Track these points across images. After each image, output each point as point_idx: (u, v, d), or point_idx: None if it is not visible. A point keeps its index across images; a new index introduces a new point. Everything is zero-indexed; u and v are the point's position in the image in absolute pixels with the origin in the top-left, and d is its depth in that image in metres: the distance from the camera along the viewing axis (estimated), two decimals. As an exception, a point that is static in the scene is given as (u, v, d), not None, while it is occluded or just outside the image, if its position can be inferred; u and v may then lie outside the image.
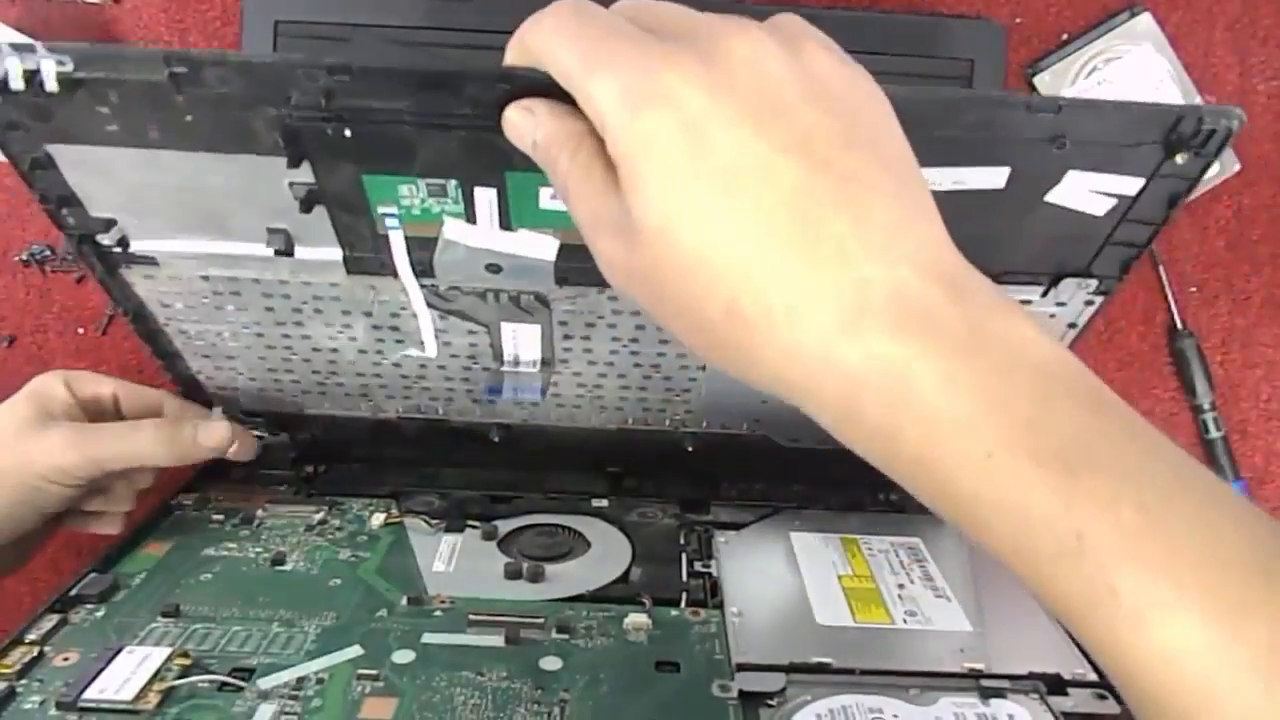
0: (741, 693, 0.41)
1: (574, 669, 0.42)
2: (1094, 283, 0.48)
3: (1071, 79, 0.63)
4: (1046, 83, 0.63)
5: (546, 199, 0.42)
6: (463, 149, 0.39)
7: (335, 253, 0.46)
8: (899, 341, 0.24)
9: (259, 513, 0.56)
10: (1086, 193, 0.42)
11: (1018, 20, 0.63)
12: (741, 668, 0.42)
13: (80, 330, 0.66)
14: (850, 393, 0.25)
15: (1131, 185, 0.42)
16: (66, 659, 0.41)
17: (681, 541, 0.55)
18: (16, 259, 0.64)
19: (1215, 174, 0.64)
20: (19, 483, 0.48)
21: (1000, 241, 0.45)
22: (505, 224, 0.44)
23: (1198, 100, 0.63)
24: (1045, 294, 0.49)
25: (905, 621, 0.46)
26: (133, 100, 0.38)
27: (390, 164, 0.41)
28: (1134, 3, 0.62)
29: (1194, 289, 0.68)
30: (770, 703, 0.40)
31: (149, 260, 0.47)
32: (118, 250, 0.46)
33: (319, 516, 0.56)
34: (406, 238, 0.45)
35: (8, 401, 0.50)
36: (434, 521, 0.55)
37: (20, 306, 0.65)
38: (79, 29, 0.62)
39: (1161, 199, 0.43)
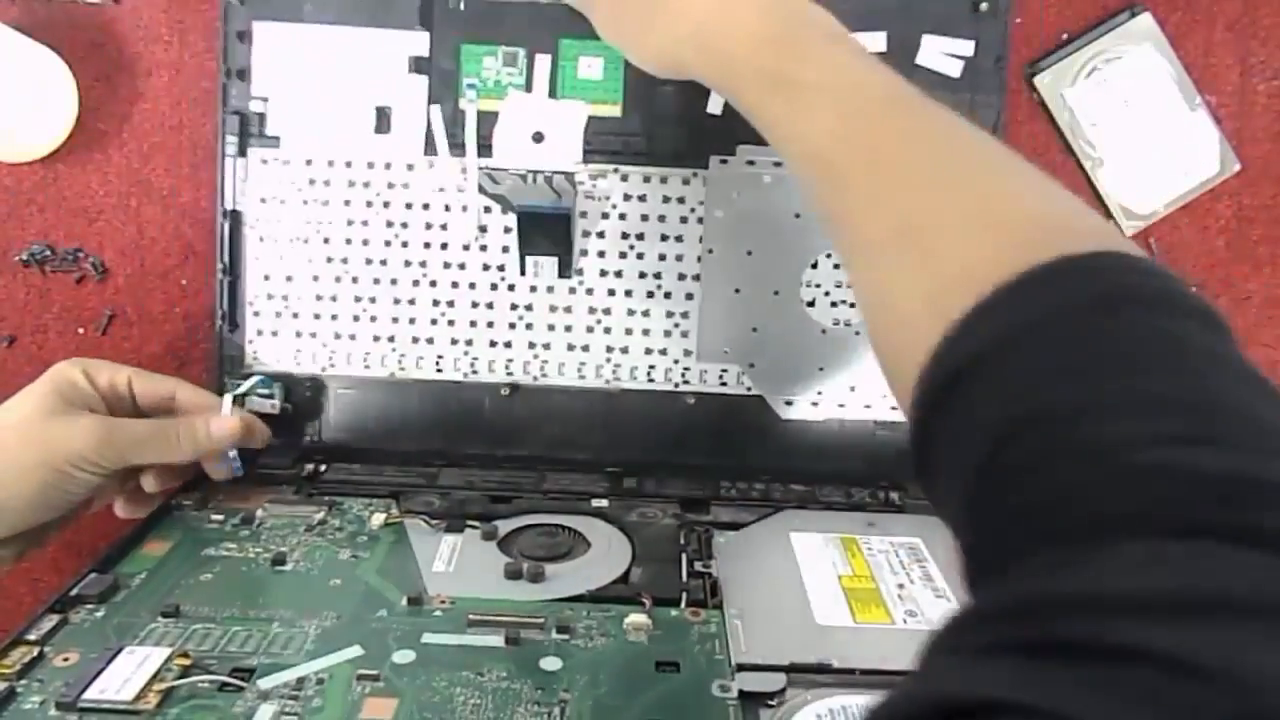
0: (741, 693, 0.41)
1: (574, 669, 0.42)
2: None
3: (1071, 79, 0.63)
4: (1047, 83, 0.63)
5: (583, 69, 0.62)
6: (534, 20, 0.61)
7: (420, 131, 0.62)
8: (745, 6, 0.43)
9: (259, 513, 0.56)
10: (940, 55, 0.62)
11: (1017, 20, 0.63)
12: (742, 668, 0.42)
13: (80, 330, 0.66)
14: (713, 32, 0.43)
15: (966, 47, 0.62)
16: (66, 659, 0.41)
17: (681, 542, 0.54)
18: (16, 259, 0.64)
19: (1215, 174, 0.64)
20: (47, 468, 0.48)
21: None
22: (552, 93, 0.62)
23: (1198, 100, 0.63)
24: None
25: (905, 622, 0.46)
26: None
27: (484, 33, 0.61)
28: (1134, 3, 0.62)
29: (1194, 289, 0.67)
30: (770, 703, 0.40)
31: (273, 141, 0.62)
32: (255, 130, 0.62)
33: (319, 516, 0.56)
34: (478, 112, 0.62)
35: (28, 389, 0.50)
36: (434, 521, 0.55)
37: (20, 306, 0.65)
38: (79, 29, 0.62)
39: (991, 61, 0.62)
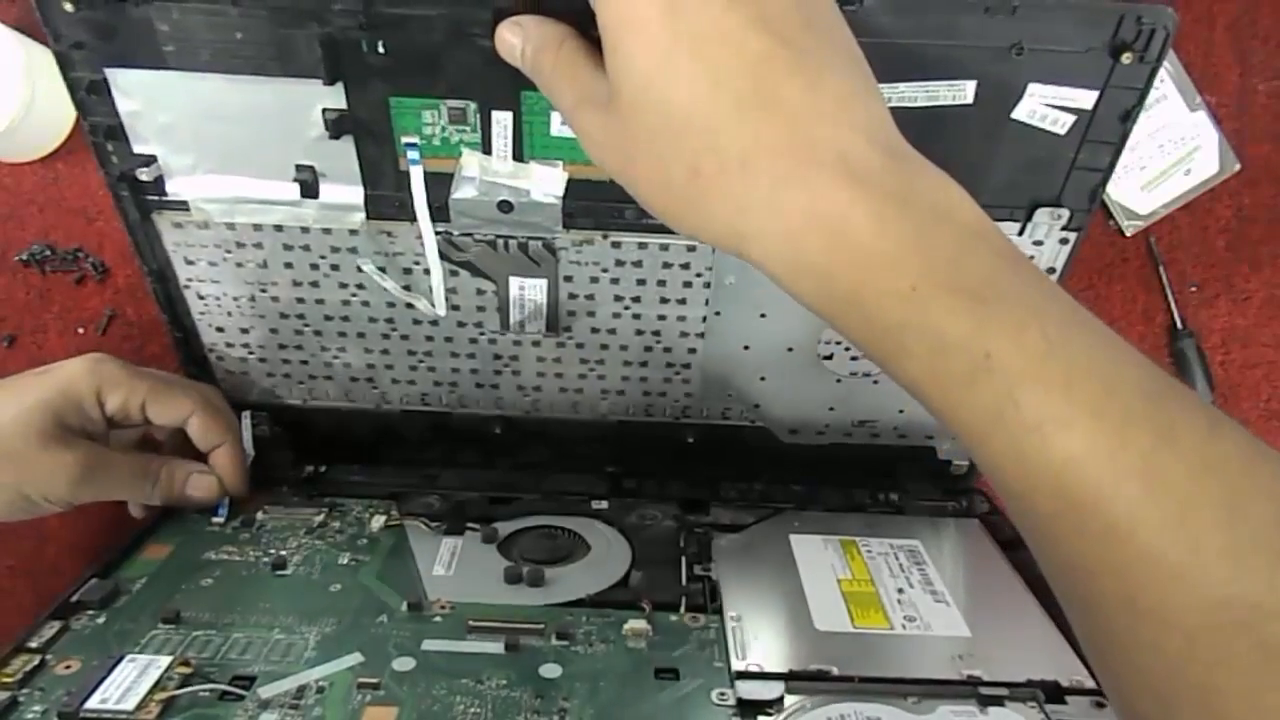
0: (740, 701, 0.41)
1: (573, 676, 0.42)
2: (1066, 214, 0.51)
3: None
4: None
5: (557, 124, 0.47)
6: (483, 67, 0.45)
7: (357, 195, 0.50)
8: (840, 190, 0.27)
9: (259, 515, 0.56)
10: (1048, 108, 0.47)
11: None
12: (740, 676, 0.42)
13: (80, 330, 0.66)
14: (794, 235, 0.28)
15: (1087, 98, 0.46)
16: (68, 667, 0.42)
17: (681, 544, 0.55)
18: (16, 259, 0.64)
19: (1215, 174, 0.64)
20: (15, 493, 0.48)
21: (975, 169, 0.49)
22: (518, 154, 0.49)
23: (1199, 100, 0.63)
24: (1022, 231, 0.52)
25: (904, 627, 0.46)
26: (190, 16, 0.44)
27: (417, 85, 0.46)
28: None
29: (1194, 289, 0.68)
30: (769, 711, 0.41)
31: (180, 205, 0.51)
32: (153, 193, 0.51)
33: (319, 519, 0.56)
34: (425, 174, 0.49)
35: (34, 387, 0.49)
36: (434, 524, 0.55)
37: (20, 307, 0.65)
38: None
39: (1115, 115, 0.47)
